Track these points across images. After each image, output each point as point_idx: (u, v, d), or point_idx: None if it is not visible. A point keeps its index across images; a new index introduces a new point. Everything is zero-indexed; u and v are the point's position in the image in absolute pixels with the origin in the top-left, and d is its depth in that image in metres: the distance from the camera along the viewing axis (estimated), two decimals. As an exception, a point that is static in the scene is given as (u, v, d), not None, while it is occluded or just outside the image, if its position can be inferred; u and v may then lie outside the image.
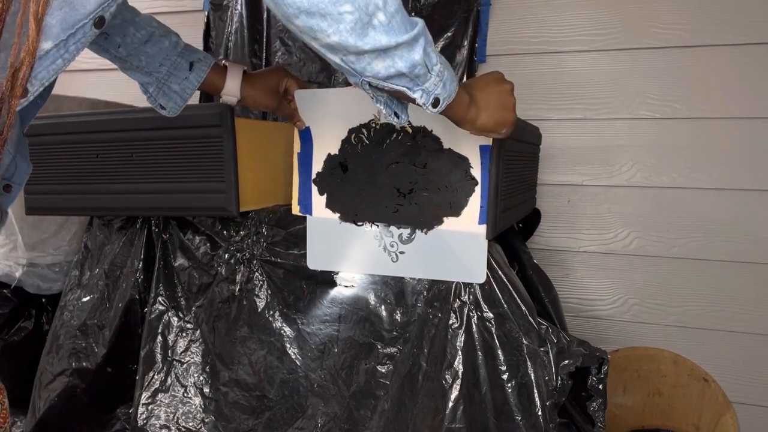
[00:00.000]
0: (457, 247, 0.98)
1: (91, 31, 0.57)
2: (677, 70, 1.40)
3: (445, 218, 0.98)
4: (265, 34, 1.68)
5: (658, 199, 1.46)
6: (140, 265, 1.25)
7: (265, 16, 1.67)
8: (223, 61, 0.94)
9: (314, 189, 1.06)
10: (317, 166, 1.04)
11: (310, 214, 1.07)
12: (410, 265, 1.02)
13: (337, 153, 1.02)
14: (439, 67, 0.63)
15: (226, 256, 1.17)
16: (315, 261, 1.08)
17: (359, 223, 1.04)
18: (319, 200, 1.06)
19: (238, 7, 1.69)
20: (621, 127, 1.46)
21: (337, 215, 1.05)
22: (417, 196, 0.99)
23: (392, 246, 1.02)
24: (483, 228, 0.95)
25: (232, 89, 0.93)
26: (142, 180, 1.15)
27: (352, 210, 1.04)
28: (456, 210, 0.96)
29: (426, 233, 0.99)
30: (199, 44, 1.74)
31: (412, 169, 0.98)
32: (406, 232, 1.01)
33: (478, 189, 0.94)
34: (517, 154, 1.11)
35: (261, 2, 1.67)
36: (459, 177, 0.95)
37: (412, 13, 1.54)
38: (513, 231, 1.34)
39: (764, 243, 1.39)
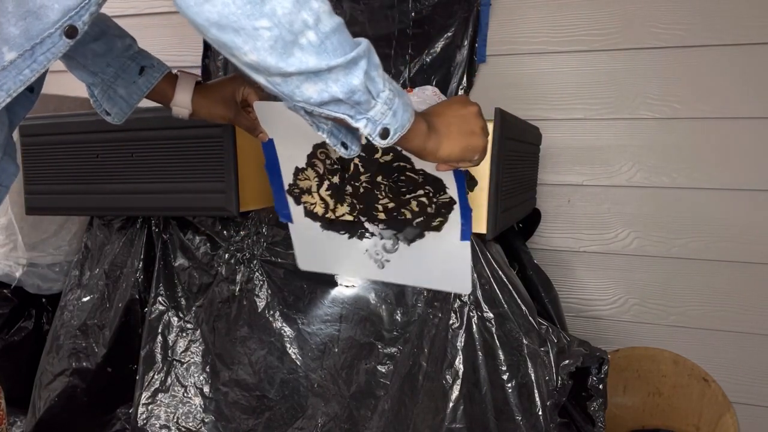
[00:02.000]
0: (441, 260, 0.96)
1: (62, 41, 0.55)
2: (677, 70, 1.40)
3: (426, 233, 0.96)
4: (265, 34, 1.67)
5: (658, 199, 1.46)
6: (140, 265, 1.25)
7: (265, 16, 1.67)
8: (176, 71, 0.88)
9: (290, 199, 1.03)
10: (288, 177, 1.01)
11: (291, 222, 1.05)
12: (397, 272, 1.00)
13: (304, 167, 0.99)
14: (387, 93, 0.56)
15: (226, 256, 1.17)
16: (304, 263, 1.08)
17: (342, 232, 1.03)
18: (297, 209, 1.03)
19: (238, 7, 1.69)
20: (621, 127, 1.46)
21: (318, 224, 1.03)
22: (396, 211, 0.97)
23: (377, 254, 1.01)
24: (466, 244, 0.94)
25: (182, 100, 0.86)
26: (142, 180, 1.15)
27: (331, 222, 1.02)
28: (437, 226, 0.95)
29: (408, 245, 0.98)
30: (199, 44, 1.74)
31: (388, 185, 0.96)
32: (389, 242, 1.00)
33: (456, 207, 0.92)
34: (517, 154, 1.11)
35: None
36: (436, 197, 0.93)
37: (412, 14, 1.55)
38: (513, 231, 1.34)
39: (764, 243, 1.39)
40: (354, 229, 1.03)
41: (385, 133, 0.58)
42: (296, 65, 0.50)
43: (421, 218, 0.95)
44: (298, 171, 1.00)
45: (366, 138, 0.59)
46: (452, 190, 0.91)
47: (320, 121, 0.59)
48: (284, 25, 0.48)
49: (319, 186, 1.02)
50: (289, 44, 0.49)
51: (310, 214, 1.02)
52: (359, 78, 0.53)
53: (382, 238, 0.99)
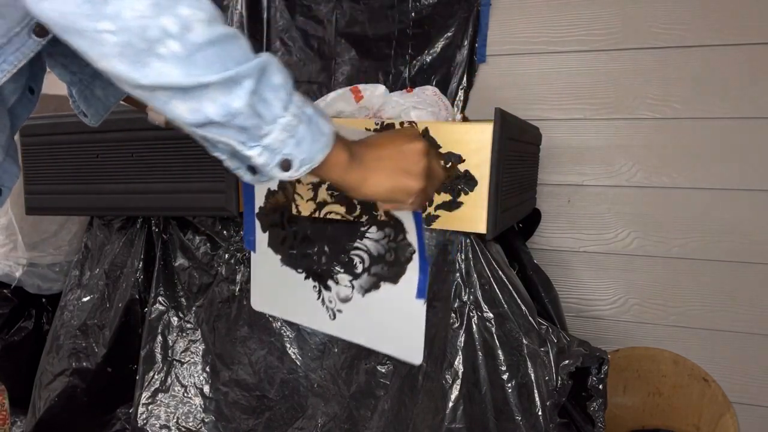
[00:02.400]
0: (395, 318, 0.87)
1: (32, 40, 0.53)
2: (677, 70, 1.40)
3: (382, 284, 0.89)
4: (265, 34, 1.68)
5: (657, 199, 1.46)
6: (140, 265, 1.25)
7: (265, 16, 1.67)
8: None
9: (258, 224, 0.98)
10: (259, 199, 0.97)
11: (254, 251, 0.99)
12: (348, 326, 0.92)
13: (276, 189, 0.94)
14: (289, 120, 0.48)
15: (226, 256, 1.17)
16: (257, 302, 1.02)
17: (299, 270, 0.98)
18: (262, 237, 0.98)
19: (238, 7, 1.69)
20: (621, 127, 1.46)
21: (279, 256, 0.98)
22: (354, 255, 0.94)
23: (330, 301, 0.94)
24: (422, 303, 0.84)
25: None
26: (142, 180, 1.15)
27: (291, 256, 0.96)
28: (394, 277, 0.87)
29: (363, 296, 0.91)
30: (199, 44, 1.74)
31: (350, 225, 0.91)
32: (343, 290, 0.93)
33: (416, 257, 0.81)
34: (517, 154, 1.11)
35: (261, 2, 1.67)
36: (395, 240, 0.86)
37: (412, 14, 1.54)
38: (513, 231, 1.34)
39: (764, 243, 1.39)
40: (311, 268, 0.95)
41: (286, 165, 0.50)
42: (153, 78, 0.44)
43: (379, 265, 0.87)
44: (269, 194, 0.96)
45: (262, 169, 0.51)
46: (411, 235, 0.81)
47: (215, 142, 0.50)
48: (133, 31, 0.42)
49: (318, 185, 1.02)
50: (143, 53, 0.43)
51: (274, 240, 0.96)
52: (242, 100, 0.46)
53: (338, 283, 0.91)
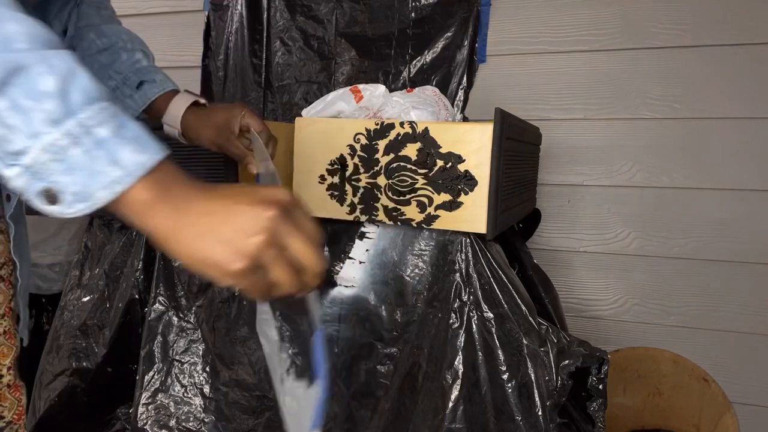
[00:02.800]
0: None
1: None
2: (677, 70, 1.40)
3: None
4: (265, 34, 1.68)
5: (658, 199, 1.46)
6: (140, 265, 1.25)
7: (265, 16, 1.67)
8: (184, 90, 0.84)
9: None
10: None
11: None
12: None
13: None
14: (56, 138, 0.38)
15: (226, 256, 1.17)
16: None
17: None
18: None
19: (238, 7, 1.69)
20: (621, 127, 1.46)
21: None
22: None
23: None
24: None
25: (172, 117, 0.81)
26: (142, 180, 1.15)
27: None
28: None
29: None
30: (199, 44, 1.74)
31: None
32: None
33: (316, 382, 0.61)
34: (517, 154, 1.11)
35: (261, 2, 1.67)
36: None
37: (412, 14, 1.54)
38: (513, 231, 1.34)
39: (764, 243, 1.39)
40: None
41: (51, 196, 0.39)
42: None
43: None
44: None
45: (22, 196, 0.40)
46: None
47: None
48: None
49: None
50: None
51: None
52: None
53: None
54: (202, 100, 0.84)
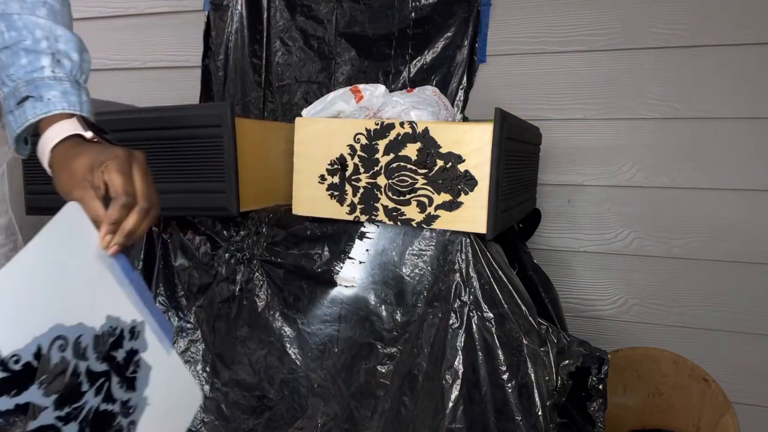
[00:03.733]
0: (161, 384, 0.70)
1: None
2: (677, 70, 1.40)
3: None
4: (265, 34, 1.68)
5: (658, 199, 1.46)
6: (140, 265, 1.25)
7: (265, 16, 1.67)
8: (81, 115, 0.66)
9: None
10: None
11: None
12: None
13: None
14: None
15: (226, 256, 1.17)
16: None
17: None
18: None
19: (238, 7, 1.69)
20: (621, 127, 1.46)
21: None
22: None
23: None
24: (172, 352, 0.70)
25: (41, 149, 0.65)
26: (142, 180, 1.15)
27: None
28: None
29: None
30: (199, 44, 1.74)
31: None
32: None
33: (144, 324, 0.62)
34: (517, 154, 1.11)
35: (261, 2, 1.67)
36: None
37: (412, 14, 1.55)
38: (513, 231, 1.34)
39: (764, 243, 1.39)
40: None
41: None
42: None
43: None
44: None
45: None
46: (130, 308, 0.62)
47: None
48: None
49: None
50: None
51: None
52: None
53: None
54: (88, 135, 0.64)
